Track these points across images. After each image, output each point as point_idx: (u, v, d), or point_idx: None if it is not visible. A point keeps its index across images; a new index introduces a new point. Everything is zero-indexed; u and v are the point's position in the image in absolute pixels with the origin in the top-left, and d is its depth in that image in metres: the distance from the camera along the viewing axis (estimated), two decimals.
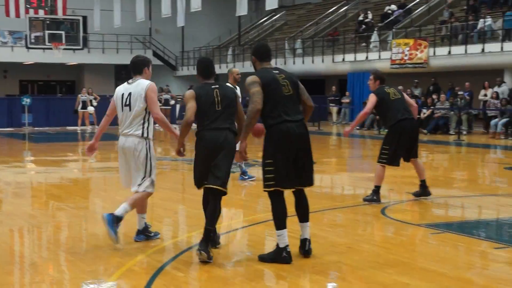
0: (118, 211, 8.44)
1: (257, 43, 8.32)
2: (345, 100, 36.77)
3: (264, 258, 7.39)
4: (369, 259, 7.77)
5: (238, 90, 11.81)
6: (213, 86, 7.78)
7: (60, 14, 40.03)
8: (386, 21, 37.40)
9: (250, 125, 7.32)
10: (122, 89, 8.69)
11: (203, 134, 7.61)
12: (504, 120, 26.58)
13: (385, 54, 34.11)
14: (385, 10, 38.97)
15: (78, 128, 33.39)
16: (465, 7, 34.33)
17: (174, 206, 11.71)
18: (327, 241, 8.86)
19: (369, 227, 9.82)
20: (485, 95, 28.98)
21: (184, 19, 42.67)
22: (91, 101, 33.75)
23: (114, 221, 8.29)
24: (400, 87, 12.45)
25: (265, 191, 7.41)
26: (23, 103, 33.51)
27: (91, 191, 14.42)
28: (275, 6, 36.43)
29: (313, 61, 38.83)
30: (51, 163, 19.19)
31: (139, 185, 8.60)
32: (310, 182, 7.64)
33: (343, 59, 36.67)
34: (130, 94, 8.51)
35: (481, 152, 22.30)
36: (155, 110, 8.41)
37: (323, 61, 38.03)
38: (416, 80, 32.29)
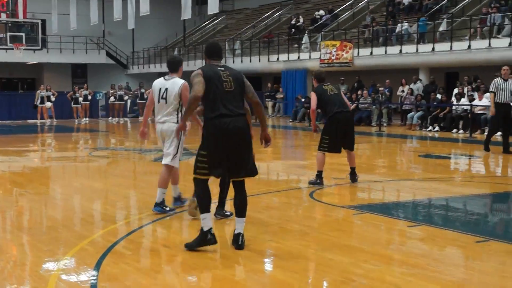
0: (157, 199, 9.20)
1: (208, 43, 7.90)
2: (279, 95, 37.09)
3: (191, 245, 7.03)
4: (298, 237, 7.83)
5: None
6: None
7: (20, 18, 39.80)
8: (315, 25, 37.63)
9: (190, 110, 7.14)
10: (159, 84, 9.22)
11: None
12: (419, 113, 27.00)
13: (315, 55, 34.33)
14: (314, 15, 39.19)
15: (38, 121, 33.43)
16: (385, 13, 34.69)
17: (125, 192, 11.65)
18: (261, 221, 8.90)
19: (299, 209, 9.89)
20: (403, 91, 29.43)
21: (134, 22, 42.37)
22: (49, 97, 33.66)
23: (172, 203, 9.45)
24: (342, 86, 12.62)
25: (195, 177, 7.18)
26: None
27: (50, 178, 14.28)
28: (216, 11, 36.28)
29: (250, 61, 38.89)
30: (13, 153, 18.92)
31: (171, 160, 9.12)
32: (248, 173, 7.29)
33: (278, 59, 36.81)
34: (166, 89, 9.07)
35: (399, 142, 22.57)
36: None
37: (259, 60, 38.13)
38: (342, 78, 32.55)
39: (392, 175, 13.72)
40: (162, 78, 9.30)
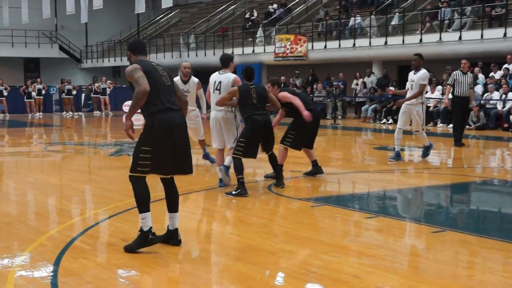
0: (226, 162, 10.62)
1: (132, 39, 7.55)
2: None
3: (132, 248, 6.70)
4: (257, 230, 7.86)
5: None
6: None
7: None
8: (269, 19, 37.70)
9: (138, 106, 6.57)
10: (215, 77, 10.70)
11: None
12: (373, 106, 27.24)
13: (269, 48, 34.39)
14: (268, 9, 39.25)
15: None
16: (338, 7, 34.89)
17: (81, 186, 11.55)
18: (221, 215, 8.92)
19: (257, 202, 9.90)
20: (357, 84, 29.65)
21: (87, 16, 42.07)
22: (1, 91, 33.27)
23: (227, 169, 10.59)
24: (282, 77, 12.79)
25: (131, 175, 6.79)
26: None
27: (3, 174, 14.06)
28: (170, 4, 36.20)
29: (205, 54, 38.80)
30: None
31: (233, 142, 10.42)
32: (189, 171, 7.01)
33: (232, 52, 36.70)
34: (220, 82, 10.55)
35: (354, 135, 22.77)
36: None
37: (214, 54, 38.01)
38: (297, 71, 32.71)
39: (347, 167, 13.82)
40: (217, 72, 10.75)
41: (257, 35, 36.29)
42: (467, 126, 19.84)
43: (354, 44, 29.89)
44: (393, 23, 29.44)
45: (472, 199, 10.74)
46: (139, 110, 6.69)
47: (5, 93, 33.69)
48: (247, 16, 40.10)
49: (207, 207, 9.25)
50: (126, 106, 36.70)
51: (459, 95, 16.69)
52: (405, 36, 27.79)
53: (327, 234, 7.59)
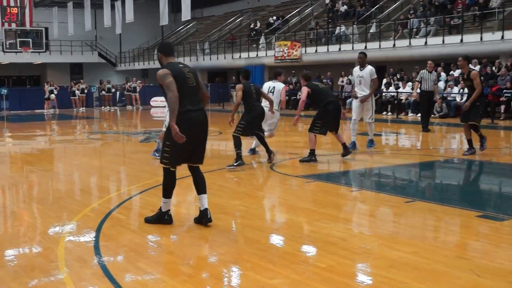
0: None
1: (161, 42, 6.93)
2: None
3: (149, 220, 6.62)
4: (261, 202, 7.86)
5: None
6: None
7: (27, 26, 39.60)
8: (270, 28, 37.59)
9: (175, 110, 6.07)
10: (270, 84, 12.05)
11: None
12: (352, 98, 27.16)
13: (270, 52, 34.31)
14: (269, 20, 39.15)
15: (45, 111, 33.11)
16: (326, 18, 34.75)
17: (117, 167, 11.56)
18: (231, 190, 8.91)
19: (261, 179, 9.91)
20: (342, 81, 29.57)
21: (121, 27, 41.96)
22: (52, 90, 33.48)
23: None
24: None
25: (162, 166, 6.51)
26: (2, 93, 33.49)
27: (55, 158, 14.11)
28: (189, 17, 36.06)
29: (217, 58, 38.78)
30: (24, 137, 18.70)
31: (273, 129, 12.13)
32: (201, 161, 6.63)
33: (240, 56, 36.73)
34: (274, 87, 11.80)
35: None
36: (282, 99, 11.88)
37: (225, 58, 38.04)
38: (293, 71, 32.62)
39: (335, 150, 13.75)
40: (271, 81, 12.15)
41: (260, 42, 36.25)
42: (432, 115, 19.78)
43: (339, 49, 29.83)
44: (371, 31, 29.37)
45: (437, 175, 10.72)
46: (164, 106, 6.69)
47: (55, 92, 33.93)
48: (251, 26, 40.00)
49: (219, 183, 9.24)
50: (153, 101, 36.73)
51: (425, 89, 16.84)
52: (381, 41, 27.72)
53: (319, 205, 7.57)
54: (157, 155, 12.10)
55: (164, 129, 12.30)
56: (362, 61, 12.57)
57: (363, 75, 12.59)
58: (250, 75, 11.51)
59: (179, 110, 6.15)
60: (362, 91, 12.69)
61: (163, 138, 6.59)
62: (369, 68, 12.55)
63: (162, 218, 6.59)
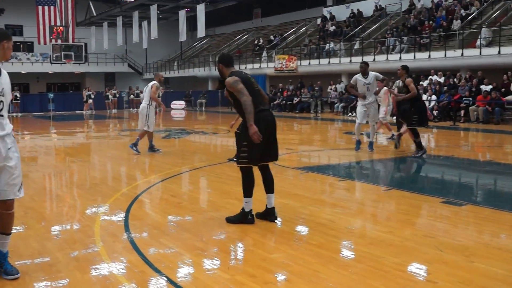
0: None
1: (222, 54, 6.26)
2: None
3: (232, 221, 5.90)
4: (262, 190, 7.85)
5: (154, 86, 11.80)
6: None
7: (70, 42, 40.20)
8: (271, 44, 37.49)
9: (252, 113, 5.52)
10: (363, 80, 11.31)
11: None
12: (342, 104, 27.13)
13: (271, 64, 34.20)
14: (270, 38, 39.08)
15: (83, 112, 33.14)
16: (317, 36, 34.66)
17: (142, 159, 11.55)
18: (238, 178, 8.88)
19: None
20: (331, 89, 29.50)
21: (147, 43, 41.95)
22: (89, 95, 33.61)
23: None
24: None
25: (238, 166, 5.90)
26: (49, 97, 33.52)
27: (91, 150, 14.12)
28: (203, 35, 36.06)
29: None
30: (66, 134, 18.71)
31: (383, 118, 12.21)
32: (275, 158, 6.10)
33: (245, 67, 36.61)
34: (370, 83, 11.10)
35: (329, 123, 22.66)
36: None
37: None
38: (290, 80, 32.48)
39: (325, 146, 13.78)
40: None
41: (263, 55, 36.13)
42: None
43: (329, 62, 29.73)
44: (355, 47, 29.28)
45: (408, 168, 10.68)
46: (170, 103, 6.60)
47: (92, 96, 33.97)
48: (255, 42, 39.87)
49: (228, 174, 9.24)
50: (173, 104, 36.72)
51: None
52: (364, 56, 27.56)
53: (311, 192, 7.58)
54: (135, 149, 11.95)
55: (146, 128, 11.97)
56: (364, 70, 11.57)
57: (370, 81, 11.49)
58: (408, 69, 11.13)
59: (254, 110, 5.62)
60: (370, 96, 11.52)
61: (239, 139, 5.79)
62: (373, 74, 11.60)
63: (245, 218, 5.87)
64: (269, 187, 6.01)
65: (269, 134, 5.80)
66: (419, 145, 10.87)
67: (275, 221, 5.92)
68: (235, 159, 10.27)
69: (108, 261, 4.63)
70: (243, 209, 5.90)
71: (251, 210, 5.87)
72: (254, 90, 5.74)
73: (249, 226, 5.74)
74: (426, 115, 10.92)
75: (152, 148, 12.15)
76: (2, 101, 4.21)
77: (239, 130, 5.78)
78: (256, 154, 5.75)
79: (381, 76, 12.09)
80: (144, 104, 11.93)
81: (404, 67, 11.37)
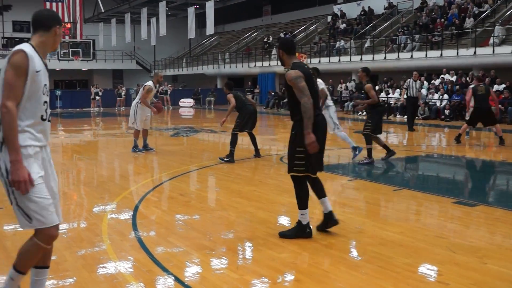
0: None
1: (283, 38, 4.83)
2: (256, 90, 36.89)
3: (288, 235, 5.20)
4: (273, 188, 7.84)
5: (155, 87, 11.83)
6: None
7: (78, 38, 40.19)
8: None
9: (312, 119, 4.83)
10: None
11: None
12: (352, 102, 27.05)
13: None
14: (280, 35, 38.99)
15: (91, 109, 33.30)
16: (328, 34, 34.57)
17: (150, 157, 11.57)
18: (247, 177, 8.90)
19: (272, 169, 9.89)
20: (341, 87, 29.42)
21: (155, 40, 42.02)
22: (97, 92, 33.78)
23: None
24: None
25: (293, 175, 5.21)
26: (56, 93, 33.75)
27: (99, 148, 14.16)
28: (212, 32, 36.08)
29: (236, 66, 38.65)
30: (74, 131, 18.78)
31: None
32: (322, 168, 5.45)
33: (255, 65, 36.62)
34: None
35: (339, 122, 22.52)
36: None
37: (242, 66, 37.93)
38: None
39: (334, 145, 13.73)
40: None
41: (272, 53, 36.00)
42: (416, 117, 19.67)
43: (339, 60, 29.63)
44: (366, 45, 29.17)
45: (420, 167, 10.66)
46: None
47: (100, 93, 34.18)
48: (265, 40, 39.80)
49: (237, 172, 9.24)
50: (182, 102, 36.79)
51: (411, 95, 16.91)
52: (374, 54, 27.53)
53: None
54: (137, 150, 11.78)
55: (131, 125, 11.92)
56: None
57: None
58: (233, 86, 10.67)
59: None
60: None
61: (292, 145, 5.15)
62: (319, 81, 10.03)
63: (303, 232, 5.21)
64: (321, 192, 5.41)
65: (322, 142, 5.15)
66: (369, 153, 10.20)
67: (337, 224, 5.41)
68: (226, 159, 10.13)
69: (115, 259, 4.64)
70: (299, 222, 5.26)
71: (309, 222, 5.27)
72: (313, 89, 5.07)
73: (258, 226, 5.73)
74: (381, 124, 10.20)
75: (145, 146, 12.00)
76: (46, 102, 3.53)
77: (294, 132, 5.09)
78: (316, 161, 5.14)
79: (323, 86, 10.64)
80: (134, 102, 11.93)
81: (365, 69, 10.74)
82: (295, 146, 5.07)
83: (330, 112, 10.61)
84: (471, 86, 13.53)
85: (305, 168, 5.10)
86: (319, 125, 5.04)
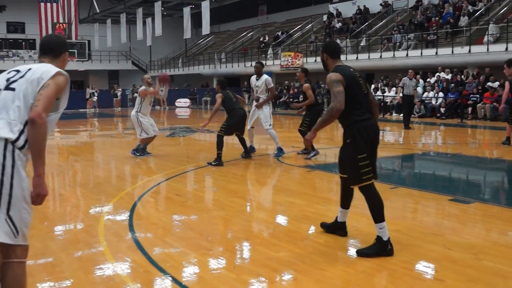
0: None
1: (327, 41, 5.31)
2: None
3: (367, 254, 4.64)
4: (270, 188, 7.85)
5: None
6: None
7: (73, 39, 39.84)
8: (277, 41, 37.46)
9: (329, 122, 4.80)
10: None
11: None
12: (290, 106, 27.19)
13: (277, 62, 34.11)
14: (276, 34, 39.04)
15: (87, 110, 33.32)
16: (324, 33, 34.61)
17: (147, 158, 11.53)
18: (244, 177, 8.90)
19: (269, 169, 9.89)
20: None
21: (151, 40, 41.99)
22: (93, 93, 33.76)
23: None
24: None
25: (361, 186, 4.82)
26: None
27: (95, 149, 14.14)
28: (208, 32, 36.03)
29: (232, 66, 38.64)
30: (70, 132, 18.73)
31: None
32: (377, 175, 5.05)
33: (251, 65, 36.54)
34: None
35: (336, 121, 22.49)
36: None
37: (238, 66, 37.91)
38: (296, 78, 32.41)
39: (331, 143, 13.75)
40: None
41: (268, 53, 36.10)
42: (412, 115, 19.73)
43: None
44: (361, 44, 29.22)
45: (416, 165, 10.68)
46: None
47: (96, 94, 34.12)
48: (261, 39, 39.83)
49: (234, 172, 9.24)
50: (178, 102, 36.76)
51: (407, 94, 16.94)
52: (370, 53, 27.58)
53: (317, 190, 7.58)
54: (137, 154, 11.43)
55: (139, 136, 11.40)
56: (258, 70, 10.88)
57: (259, 84, 10.85)
58: (226, 85, 10.49)
59: (359, 118, 4.73)
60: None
61: (351, 154, 4.78)
62: (265, 77, 10.80)
63: (384, 249, 4.66)
64: (349, 203, 5.34)
65: (375, 146, 4.87)
66: (311, 147, 10.53)
67: (345, 236, 5.33)
68: (213, 163, 9.77)
69: (112, 261, 4.63)
70: (379, 238, 4.71)
71: (389, 238, 4.72)
72: (362, 94, 4.81)
73: (255, 225, 5.73)
74: (314, 123, 10.24)
75: (143, 150, 11.64)
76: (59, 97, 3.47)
77: (348, 141, 4.83)
78: (375, 166, 4.87)
79: (272, 85, 10.90)
80: (133, 113, 11.39)
81: (303, 70, 10.79)
82: (355, 154, 4.73)
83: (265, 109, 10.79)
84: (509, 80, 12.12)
85: (372, 173, 4.81)
86: (371, 128, 4.77)
